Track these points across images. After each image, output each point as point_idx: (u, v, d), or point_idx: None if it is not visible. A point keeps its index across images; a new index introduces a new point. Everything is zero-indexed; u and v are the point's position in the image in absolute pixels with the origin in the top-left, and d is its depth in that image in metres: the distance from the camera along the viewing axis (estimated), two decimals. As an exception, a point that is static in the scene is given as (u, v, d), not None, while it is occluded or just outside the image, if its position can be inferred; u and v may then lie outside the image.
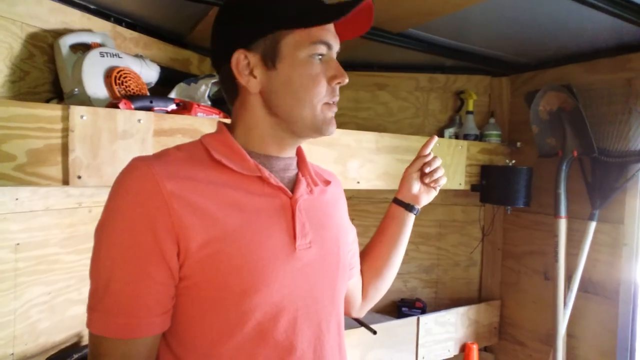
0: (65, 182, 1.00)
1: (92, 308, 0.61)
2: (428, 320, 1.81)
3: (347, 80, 0.71)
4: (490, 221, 2.01)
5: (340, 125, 1.64)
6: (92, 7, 1.28)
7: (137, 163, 0.64)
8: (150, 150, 1.09)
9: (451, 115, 1.98)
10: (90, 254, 0.63)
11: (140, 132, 1.08)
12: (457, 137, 1.91)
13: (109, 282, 0.60)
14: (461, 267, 2.07)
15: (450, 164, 1.70)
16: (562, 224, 1.64)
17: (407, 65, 1.96)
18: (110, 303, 0.60)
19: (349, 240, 0.88)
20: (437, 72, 1.99)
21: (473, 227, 2.05)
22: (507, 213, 1.93)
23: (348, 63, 1.95)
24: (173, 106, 1.21)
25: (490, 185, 1.77)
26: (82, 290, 1.31)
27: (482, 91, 1.99)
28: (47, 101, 1.16)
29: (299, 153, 0.80)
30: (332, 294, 0.76)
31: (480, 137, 1.89)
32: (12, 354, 1.15)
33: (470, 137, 1.86)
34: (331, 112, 0.72)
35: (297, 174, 0.77)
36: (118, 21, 1.38)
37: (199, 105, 1.24)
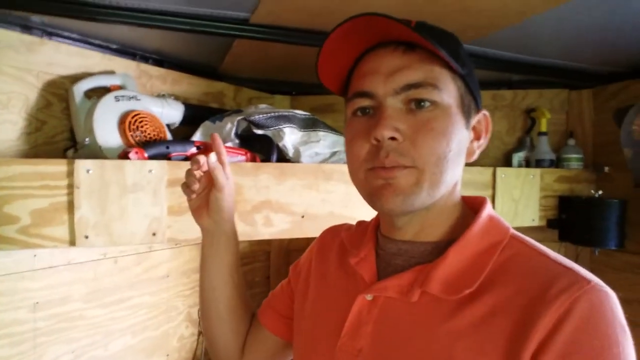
0: (72, 243, 0.92)
1: None
2: None
3: (381, 133, 0.53)
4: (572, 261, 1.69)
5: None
6: (113, 47, 1.21)
7: None
8: (164, 202, 0.99)
9: (520, 137, 1.71)
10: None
11: (152, 183, 0.98)
12: (527, 162, 1.64)
13: None
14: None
15: (520, 198, 1.44)
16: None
17: (466, 83, 1.73)
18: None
19: None
20: (502, 87, 1.73)
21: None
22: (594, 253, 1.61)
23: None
24: (193, 149, 1.10)
25: (571, 220, 1.48)
26: (109, 346, 1.24)
27: (558, 107, 1.70)
28: (65, 150, 1.10)
29: (459, 238, 0.56)
30: None
31: (557, 162, 1.61)
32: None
33: (544, 162, 1.59)
34: (380, 180, 0.55)
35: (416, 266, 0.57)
36: (144, 59, 1.31)
37: (221, 148, 1.12)
